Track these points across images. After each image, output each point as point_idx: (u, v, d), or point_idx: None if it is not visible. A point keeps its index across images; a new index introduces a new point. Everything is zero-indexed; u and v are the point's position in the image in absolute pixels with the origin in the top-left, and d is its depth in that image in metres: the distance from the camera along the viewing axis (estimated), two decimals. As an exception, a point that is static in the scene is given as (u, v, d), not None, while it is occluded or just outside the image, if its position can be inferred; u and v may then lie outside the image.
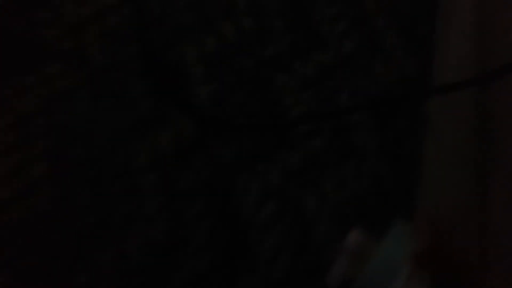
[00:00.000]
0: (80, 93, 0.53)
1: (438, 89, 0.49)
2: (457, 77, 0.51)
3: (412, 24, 0.58)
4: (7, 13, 0.55)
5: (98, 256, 0.48)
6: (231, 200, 0.52)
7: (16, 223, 0.48)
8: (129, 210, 0.50)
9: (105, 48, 0.56)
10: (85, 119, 0.52)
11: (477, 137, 0.50)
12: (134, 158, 0.52)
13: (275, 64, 0.56)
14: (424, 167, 0.53)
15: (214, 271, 0.49)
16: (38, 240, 0.47)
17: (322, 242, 0.51)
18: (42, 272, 0.47)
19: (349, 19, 0.59)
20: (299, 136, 0.54)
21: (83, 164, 0.51)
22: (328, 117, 0.53)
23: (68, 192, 0.50)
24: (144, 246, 0.49)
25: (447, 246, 0.47)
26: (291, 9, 0.59)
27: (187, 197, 0.51)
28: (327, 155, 0.54)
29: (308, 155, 0.54)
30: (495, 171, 0.48)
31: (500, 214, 0.47)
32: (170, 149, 0.52)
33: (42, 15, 0.56)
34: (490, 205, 0.48)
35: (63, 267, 0.47)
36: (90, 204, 0.50)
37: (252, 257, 0.50)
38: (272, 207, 0.52)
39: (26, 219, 0.48)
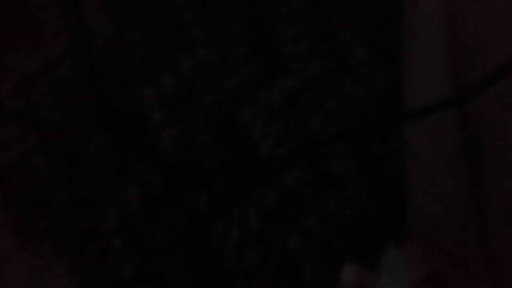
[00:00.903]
0: (36, 156, 0.50)
1: (413, 114, 0.46)
2: (428, 93, 0.48)
3: (378, 37, 0.55)
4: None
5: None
6: (212, 249, 0.49)
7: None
8: (106, 276, 0.47)
9: (57, 102, 0.52)
10: (44, 185, 0.49)
11: (460, 155, 0.48)
12: (102, 220, 0.48)
13: (239, 97, 0.53)
14: (410, 190, 0.50)
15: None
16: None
17: (312, 282, 0.49)
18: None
19: (312, 38, 0.55)
20: (273, 172, 0.51)
21: (50, 235, 0.48)
22: (300, 151, 0.50)
23: (38, 263, 0.47)
24: None
25: (445, 268, 0.45)
26: (249, 34, 0.56)
27: (164, 254, 0.48)
28: (305, 189, 0.51)
29: (285, 191, 0.51)
30: (486, 187, 0.46)
31: (496, 231, 0.46)
32: (138, 205, 0.49)
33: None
34: (488, 222, 0.46)
35: None
36: (62, 273, 0.47)
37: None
38: (255, 253, 0.49)
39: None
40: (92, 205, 0.48)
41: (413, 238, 0.49)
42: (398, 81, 0.52)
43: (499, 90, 0.43)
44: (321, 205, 0.50)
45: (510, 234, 0.44)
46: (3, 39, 0.54)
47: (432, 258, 0.45)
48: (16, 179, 0.49)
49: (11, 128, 0.50)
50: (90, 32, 0.54)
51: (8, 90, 0.52)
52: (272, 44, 0.55)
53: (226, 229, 0.49)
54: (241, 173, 0.50)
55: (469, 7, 0.50)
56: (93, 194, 0.49)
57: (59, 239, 0.47)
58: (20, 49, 0.54)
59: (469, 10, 0.50)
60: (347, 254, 0.49)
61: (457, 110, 0.45)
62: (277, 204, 0.50)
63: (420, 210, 0.48)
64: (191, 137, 0.52)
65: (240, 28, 0.56)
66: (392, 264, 0.42)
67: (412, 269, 0.42)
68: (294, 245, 0.49)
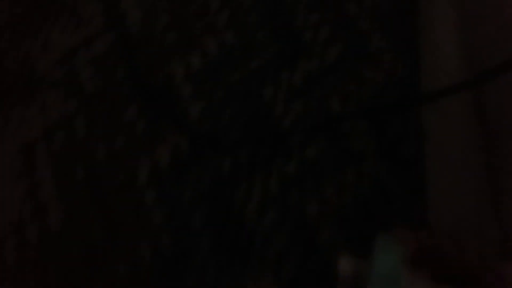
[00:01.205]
0: (77, 119, 0.54)
1: (430, 96, 0.49)
2: (444, 78, 0.51)
3: (396, 25, 0.59)
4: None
5: (112, 267, 0.48)
6: (233, 210, 0.52)
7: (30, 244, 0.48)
8: (136, 224, 0.50)
9: (95, 74, 0.56)
10: (84, 143, 0.53)
11: (476, 139, 0.50)
12: (135, 175, 0.52)
13: (262, 77, 0.57)
14: (427, 172, 0.53)
15: (221, 279, 0.49)
16: (53, 258, 0.47)
17: (329, 246, 0.51)
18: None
19: (332, 24, 0.59)
20: (294, 145, 0.54)
21: (88, 185, 0.51)
22: (321, 127, 0.54)
23: (77, 211, 0.50)
24: (152, 256, 0.49)
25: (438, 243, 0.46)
26: (272, 20, 0.60)
27: (189, 210, 0.51)
28: (325, 162, 0.54)
29: (305, 163, 0.54)
30: (503, 169, 0.48)
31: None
32: (168, 165, 0.53)
33: (31, 47, 0.56)
34: (504, 205, 0.47)
35: (80, 280, 0.47)
36: (98, 220, 0.50)
37: (259, 262, 0.50)
38: (273, 215, 0.52)
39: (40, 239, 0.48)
40: (127, 162, 0.52)
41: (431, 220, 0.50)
42: (415, 67, 0.56)
43: None
44: (340, 178, 0.53)
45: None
46: (48, 18, 0.58)
47: (420, 235, 0.47)
48: (58, 137, 0.52)
49: (54, 93, 0.54)
50: (122, 15, 0.59)
51: (53, 61, 0.57)
52: (294, 30, 0.59)
53: (247, 192, 0.52)
54: (263, 144, 0.54)
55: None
56: (128, 152, 0.52)
57: (95, 190, 0.51)
58: (62, 27, 0.58)
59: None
60: (361, 224, 0.52)
61: (473, 97, 0.48)
62: (297, 174, 0.53)
63: (436, 193, 0.51)
64: (217, 111, 0.55)
65: (264, 14, 0.60)
66: (384, 246, 0.44)
67: (404, 247, 0.43)
68: (311, 211, 0.52)
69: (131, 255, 0.48)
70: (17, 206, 0.49)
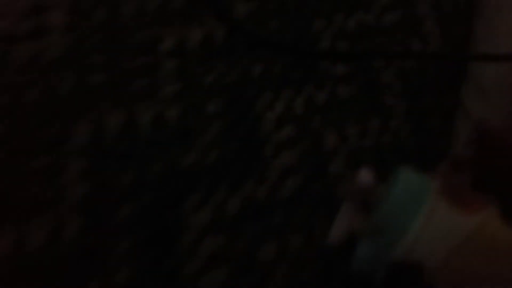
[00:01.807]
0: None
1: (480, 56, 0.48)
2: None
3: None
4: None
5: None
6: (252, 110, 0.47)
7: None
8: (146, 84, 0.46)
9: None
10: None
11: None
12: (159, 40, 0.47)
13: (316, 12, 0.55)
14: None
15: (223, 165, 0.44)
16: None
17: (338, 175, 0.47)
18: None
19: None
20: (329, 77, 0.51)
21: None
22: (358, 57, 0.51)
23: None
24: (156, 125, 0.44)
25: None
26: None
27: (207, 93, 0.47)
28: (354, 104, 0.51)
29: (335, 97, 0.51)
30: None
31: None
32: (197, 45, 0.49)
33: None
34: None
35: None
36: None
37: (265, 168, 0.45)
38: (291, 130, 0.48)
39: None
40: (154, 26, 0.48)
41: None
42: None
43: None
44: (364, 122, 0.50)
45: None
46: None
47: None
48: None
49: None
50: None
51: None
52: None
53: (270, 102, 0.49)
54: (299, 57, 0.51)
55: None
56: (157, 18, 0.48)
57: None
58: None
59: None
60: (375, 170, 0.48)
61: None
62: (324, 103, 0.50)
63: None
64: (263, 16, 0.52)
65: None
66: (408, 175, 0.40)
67: (431, 179, 0.40)
68: (329, 141, 0.49)
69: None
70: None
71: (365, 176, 0.40)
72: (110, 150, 0.43)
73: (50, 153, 0.41)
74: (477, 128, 0.43)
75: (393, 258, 0.38)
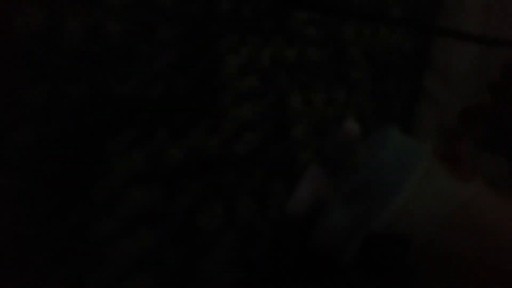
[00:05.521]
0: None
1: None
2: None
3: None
4: None
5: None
6: (213, 48, 0.40)
7: None
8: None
9: None
10: None
11: None
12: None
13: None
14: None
15: (168, 102, 0.36)
16: None
17: (300, 141, 0.40)
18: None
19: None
20: (300, 36, 0.45)
21: None
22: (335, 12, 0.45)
23: None
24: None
25: None
26: None
27: (162, 15, 0.38)
28: (322, 70, 0.45)
29: (304, 57, 0.44)
30: None
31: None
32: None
33: None
34: None
35: None
36: None
37: (220, 116, 0.37)
38: (255, 81, 0.41)
39: None
40: None
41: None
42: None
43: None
44: (329, 91, 0.44)
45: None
46: None
47: None
48: None
49: None
50: None
51: None
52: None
53: (235, 45, 0.41)
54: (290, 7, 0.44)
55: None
56: None
57: None
58: None
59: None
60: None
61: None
62: (293, 61, 0.43)
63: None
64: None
65: None
66: (396, 134, 0.35)
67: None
68: (294, 103, 0.42)
69: None
70: None
71: (353, 125, 0.33)
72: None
73: None
74: (502, 71, 0.37)
75: (372, 228, 0.31)
